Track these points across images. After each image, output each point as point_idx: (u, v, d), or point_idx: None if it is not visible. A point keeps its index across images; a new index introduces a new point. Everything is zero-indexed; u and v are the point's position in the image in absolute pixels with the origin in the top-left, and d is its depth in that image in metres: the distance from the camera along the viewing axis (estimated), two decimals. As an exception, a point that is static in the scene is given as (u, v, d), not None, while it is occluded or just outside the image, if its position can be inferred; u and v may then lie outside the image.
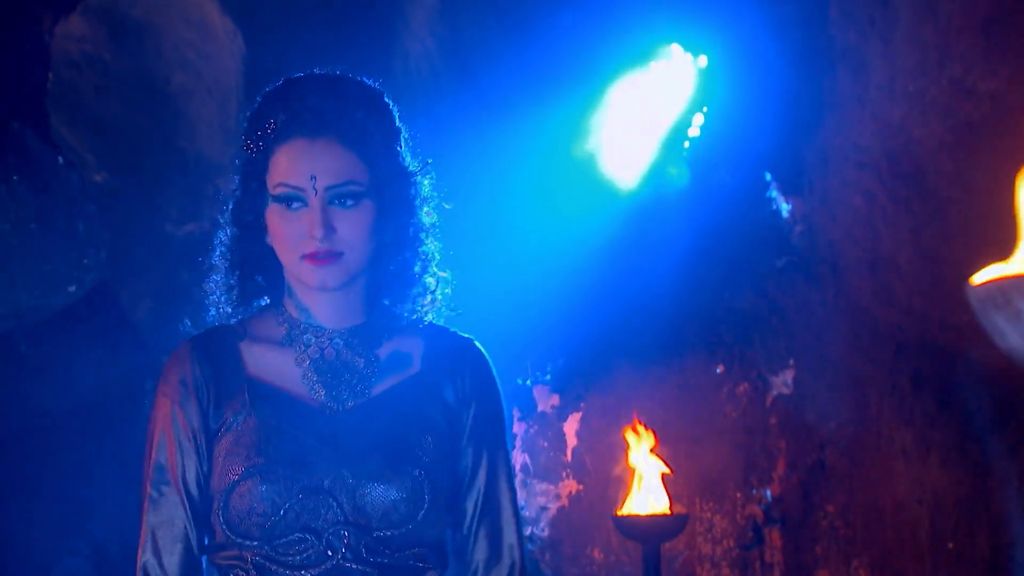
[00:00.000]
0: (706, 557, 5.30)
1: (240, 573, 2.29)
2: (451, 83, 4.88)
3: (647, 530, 4.45)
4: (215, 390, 2.35)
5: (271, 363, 2.37)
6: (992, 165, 4.32)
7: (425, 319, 2.45)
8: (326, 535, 2.26)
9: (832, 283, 5.07)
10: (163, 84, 4.67)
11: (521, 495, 5.56)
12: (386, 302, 2.43)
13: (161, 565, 2.34)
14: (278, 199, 2.31)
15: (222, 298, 2.42)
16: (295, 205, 2.30)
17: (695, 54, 5.21)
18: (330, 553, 2.26)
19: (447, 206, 2.47)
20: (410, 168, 2.41)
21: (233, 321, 2.42)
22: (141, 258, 4.70)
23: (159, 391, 2.38)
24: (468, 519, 2.39)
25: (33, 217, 4.10)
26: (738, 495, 5.30)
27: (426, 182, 2.44)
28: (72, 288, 4.24)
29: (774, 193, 5.27)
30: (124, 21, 4.56)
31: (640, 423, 4.84)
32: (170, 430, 2.34)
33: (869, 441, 4.98)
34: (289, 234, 2.31)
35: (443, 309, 2.48)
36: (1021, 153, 4.42)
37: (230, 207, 2.39)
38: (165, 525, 2.34)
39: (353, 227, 2.30)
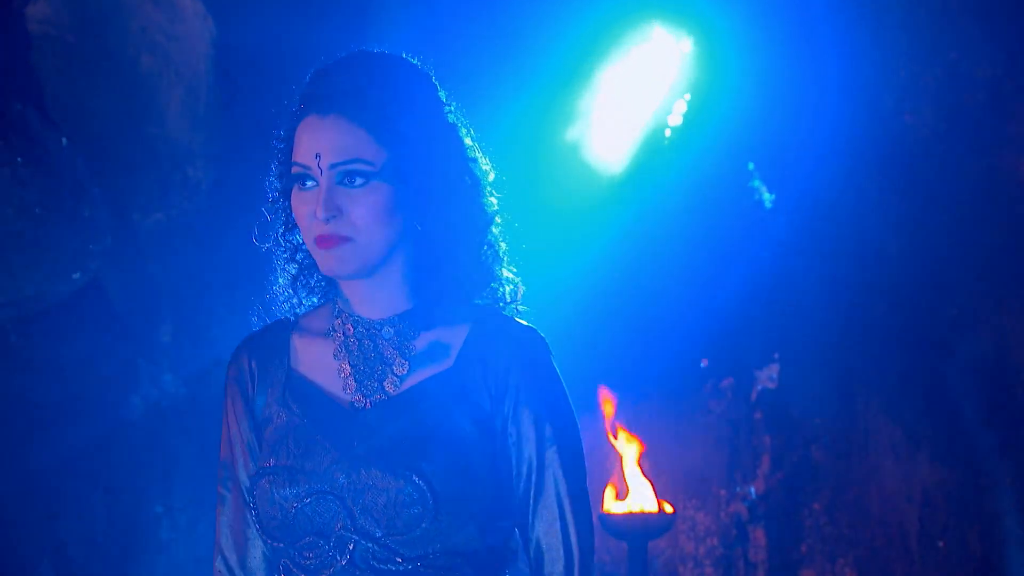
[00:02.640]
0: (689, 556, 5.25)
1: (279, 574, 2.26)
2: (429, 64, 4.77)
3: (634, 528, 4.41)
4: (261, 385, 2.32)
5: (313, 356, 2.31)
6: (987, 154, 4.29)
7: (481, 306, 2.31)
8: (333, 539, 2.18)
9: (818, 275, 5.04)
10: (130, 67, 4.55)
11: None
12: (434, 290, 2.29)
13: (228, 565, 2.33)
14: (293, 179, 2.24)
15: (287, 291, 2.36)
16: (308, 184, 2.22)
17: (678, 38, 5.13)
18: (338, 558, 2.18)
19: (495, 198, 2.33)
20: (446, 149, 2.27)
21: (299, 313, 2.35)
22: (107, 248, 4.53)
23: (224, 389, 2.38)
24: (526, 525, 2.25)
25: (37, 202, 4.03)
26: (722, 492, 5.26)
27: (479, 165, 2.30)
28: (76, 275, 4.18)
29: (757, 183, 5.23)
30: (90, 2, 4.46)
31: (619, 423, 4.81)
32: (227, 428, 2.34)
33: (856, 437, 4.95)
34: (301, 215, 2.23)
35: (507, 304, 2.33)
36: (1016, 142, 4.45)
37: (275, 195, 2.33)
38: (232, 524, 2.32)
39: (362, 209, 2.19)
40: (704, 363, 5.39)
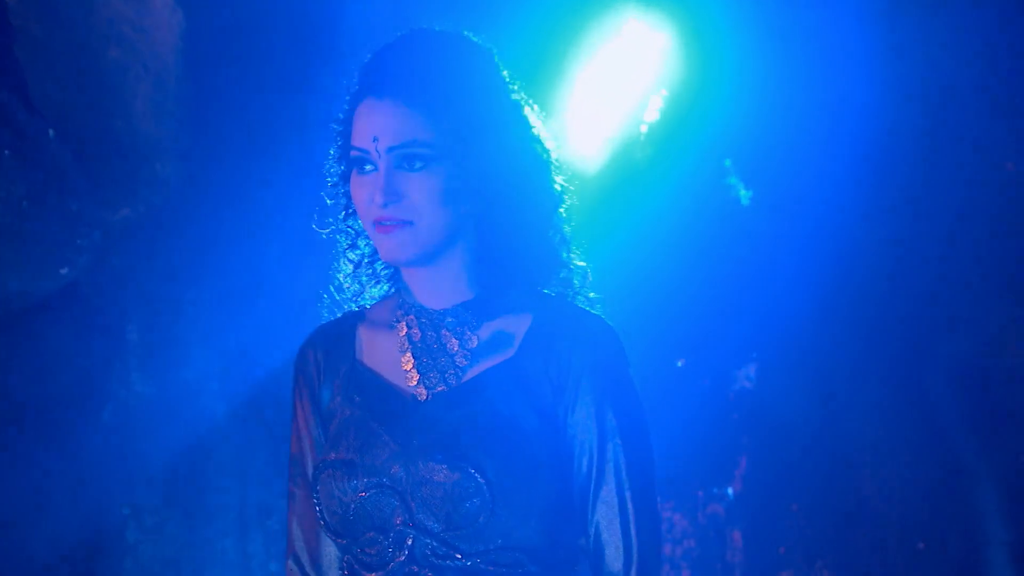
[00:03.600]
0: (666, 557, 5.23)
1: (344, 572, 2.23)
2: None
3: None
4: (327, 378, 2.30)
5: (378, 348, 2.27)
6: (971, 154, 4.30)
7: (548, 293, 2.25)
8: (392, 534, 2.14)
9: (796, 275, 5.03)
10: (96, 60, 4.48)
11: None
12: (498, 278, 2.24)
13: (300, 563, 2.30)
14: (352, 163, 2.21)
15: (349, 279, 2.34)
16: (367, 168, 2.18)
17: (654, 33, 5.08)
18: (396, 554, 2.14)
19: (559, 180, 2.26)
20: (509, 130, 2.21)
21: (365, 303, 2.32)
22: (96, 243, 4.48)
23: (292, 382, 2.36)
24: (587, 520, 2.18)
25: (24, 195, 3.97)
26: (699, 493, 5.25)
27: (545, 145, 2.25)
28: (64, 271, 4.14)
29: (734, 180, 5.21)
30: (55, -7, 4.41)
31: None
32: (295, 422, 2.32)
33: (835, 438, 4.94)
34: (360, 200, 2.19)
35: (576, 292, 2.27)
36: (1002, 142, 4.45)
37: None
38: (302, 521, 2.30)
39: (422, 193, 2.14)
40: (680, 363, 5.37)
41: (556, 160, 2.28)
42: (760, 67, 4.83)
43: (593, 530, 2.17)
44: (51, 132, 4.08)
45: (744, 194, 5.19)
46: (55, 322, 4.35)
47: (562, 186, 2.28)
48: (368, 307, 2.34)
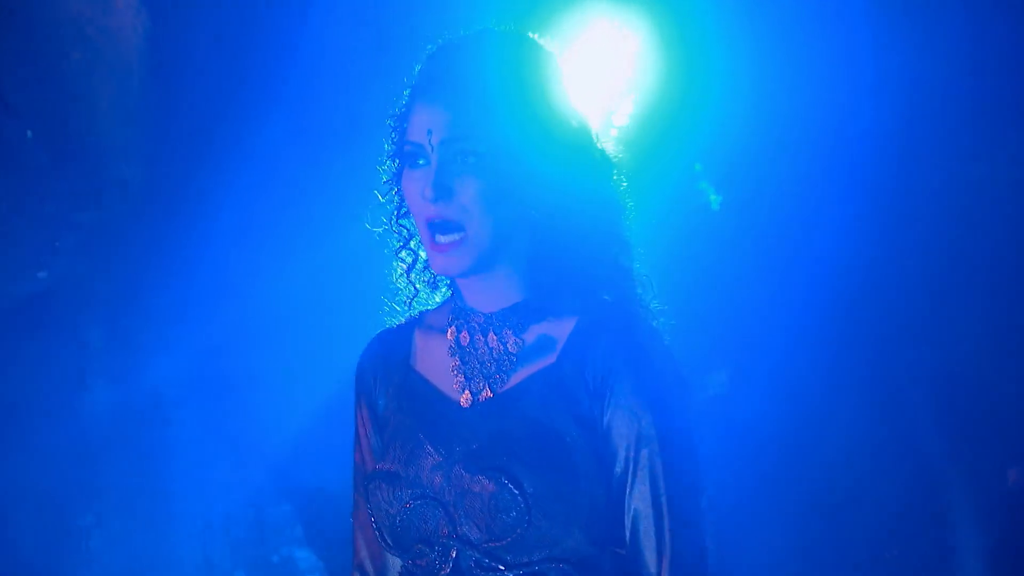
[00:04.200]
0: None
1: None
2: (369, 67, 4.70)
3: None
4: (382, 386, 2.28)
5: (432, 354, 2.25)
6: (948, 160, 4.30)
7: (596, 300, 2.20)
8: (437, 547, 2.11)
9: (767, 279, 5.01)
10: (59, 61, 4.46)
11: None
12: (550, 282, 2.19)
13: (365, 571, 2.30)
14: (405, 159, 2.17)
15: (403, 282, 2.32)
16: (420, 163, 2.15)
17: (625, 35, 5.06)
18: (441, 566, 2.11)
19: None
20: (564, 130, 2.18)
21: (421, 307, 2.30)
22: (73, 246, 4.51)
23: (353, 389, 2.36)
24: (626, 536, 2.11)
25: (1, 197, 3.97)
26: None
27: (604, 148, 2.22)
28: (42, 274, 4.14)
29: (704, 185, 5.19)
30: (16, -8, 4.38)
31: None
32: (356, 431, 2.32)
33: (807, 443, 4.91)
34: (411, 194, 2.16)
35: (636, 300, 2.22)
36: (980, 149, 4.45)
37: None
38: (365, 530, 2.29)
39: (473, 190, 2.11)
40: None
41: (616, 165, 2.25)
42: (731, 71, 4.81)
43: (629, 535, 2.11)
44: (29, 133, 4.09)
45: (714, 199, 5.17)
46: (16, 327, 4.31)
47: (622, 192, 2.24)
48: (427, 312, 2.31)
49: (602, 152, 2.23)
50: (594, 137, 2.22)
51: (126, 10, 4.60)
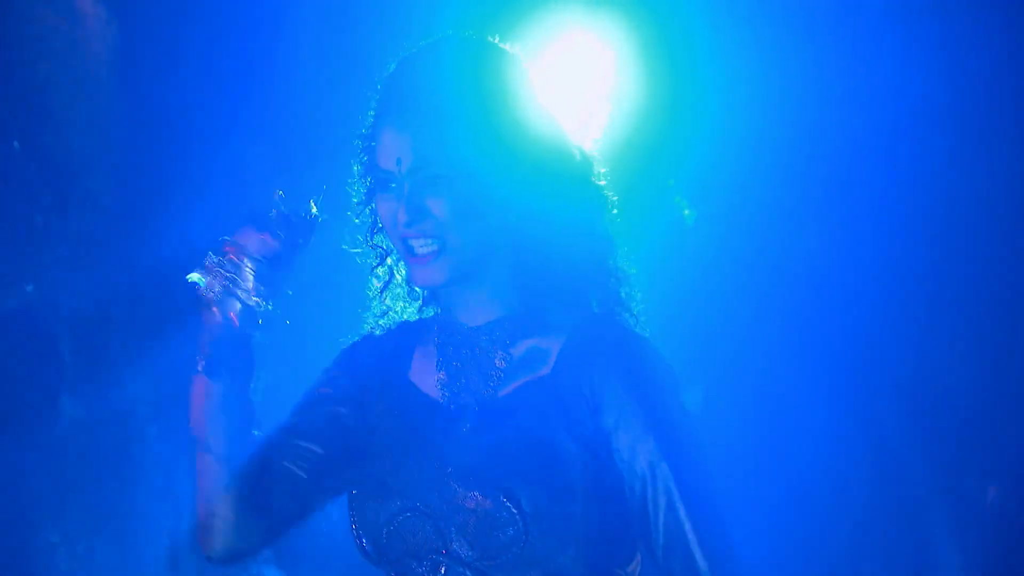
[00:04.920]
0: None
1: None
2: (343, 79, 4.67)
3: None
4: (367, 386, 2.25)
5: (419, 364, 2.21)
6: (927, 172, 4.30)
7: (586, 311, 2.17)
8: (426, 562, 2.07)
9: (741, 294, 5.00)
10: (25, 75, 4.42)
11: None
12: (536, 292, 2.16)
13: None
14: (376, 182, 2.15)
15: (378, 299, 2.30)
16: (391, 186, 2.11)
17: (599, 46, 5.04)
18: None
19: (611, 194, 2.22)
20: (538, 136, 2.13)
21: (396, 323, 2.28)
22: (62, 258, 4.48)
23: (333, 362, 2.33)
24: (648, 549, 2.08)
25: None
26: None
27: (581, 151, 2.18)
28: (29, 288, 4.10)
29: (678, 199, 5.18)
30: (-23, 3, 4.35)
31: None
32: (318, 381, 2.32)
33: (782, 461, 4.92)
34: (385, 219, 2.13)
35: (623, 308, 2.19)
36: (961, 161, 4.44)
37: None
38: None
39: (448, 208, 2.08)
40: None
41: (593, 164, 2.21)
42: (706, 85, 4.81)
43: (661, 556, 2.07)
44: (16, 145, 4.06)
45: (689, 214, 5.16)
46: (13, 340, 4.30)
47: (603, 192, 2.21)
48: (420, 322, 2.29)
49: (579, 152, 2.19)
50: (567, 139, 2.18)
51: (95, 22, 4.57)
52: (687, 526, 2.05)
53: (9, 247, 4.03)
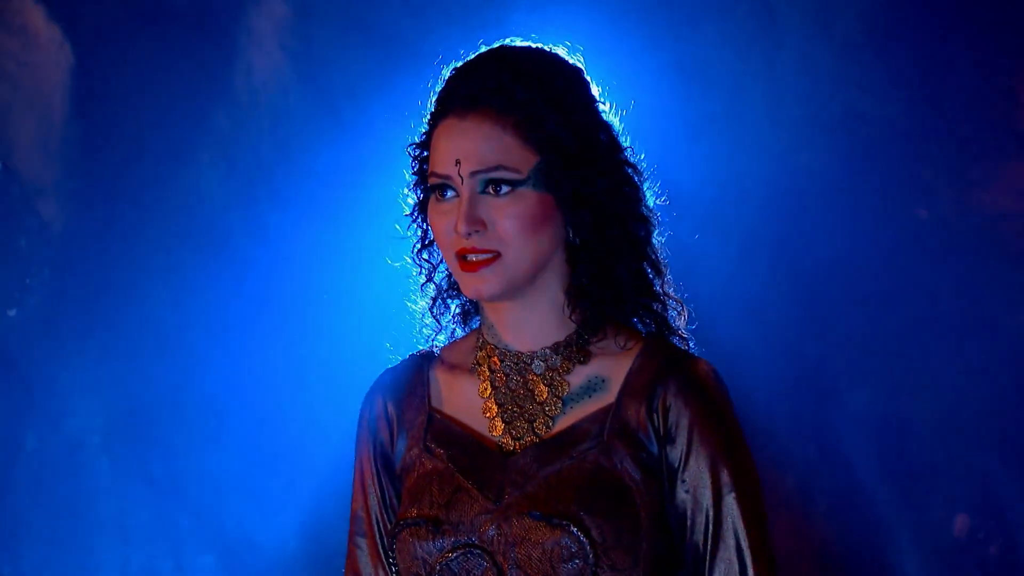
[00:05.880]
0: None
1: None
2: (301, 100, 4.62)
3: None
4: (400, 428, 2.18)
5: (457, 394, 2.14)
6: (885, 197, 4.27)
7: (648, 334, 2.12)
8: None
9: (698, 326, 4.95)
10: None
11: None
12: (592, 314, 2.09)
13: None
14: (431, 190, 2.07)
15: (425, 317, 2.22)
16: (448, 195, 2.04)
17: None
18: None
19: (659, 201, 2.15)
20: (601, 152, 2.07)
21: (440, 345, 2.19)
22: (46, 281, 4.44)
23: (357, 432, 2.25)
24: None
25: None
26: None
27: (636, 169, 2.13)
28: (12, 312, 4.06)
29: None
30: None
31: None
32: (360, 475, 2.21)
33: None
34: (440, 229, 2.05)
35: (672, 329, 2.15)
36: (918, 186, 4.42)
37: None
38: None
39: (509, 220, 2.01)
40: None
41: (646, 183, 2.17)
42: (670, 102, 4.76)
43: None
44: (1, 166, 4.03)
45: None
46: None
47: (652, 211, 2.17)
48: (441, 348, 2.22)
49: (636, 172, 2.15)
50: (627, 156, 2.14)
51: (48, 44, 4.53)
52: (748, 559, 2.05)
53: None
